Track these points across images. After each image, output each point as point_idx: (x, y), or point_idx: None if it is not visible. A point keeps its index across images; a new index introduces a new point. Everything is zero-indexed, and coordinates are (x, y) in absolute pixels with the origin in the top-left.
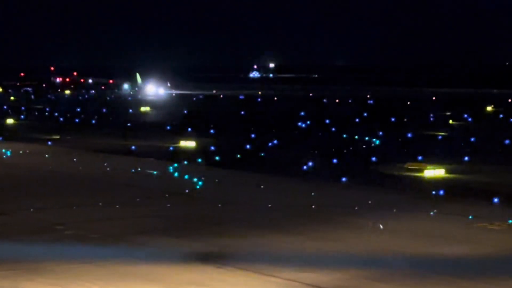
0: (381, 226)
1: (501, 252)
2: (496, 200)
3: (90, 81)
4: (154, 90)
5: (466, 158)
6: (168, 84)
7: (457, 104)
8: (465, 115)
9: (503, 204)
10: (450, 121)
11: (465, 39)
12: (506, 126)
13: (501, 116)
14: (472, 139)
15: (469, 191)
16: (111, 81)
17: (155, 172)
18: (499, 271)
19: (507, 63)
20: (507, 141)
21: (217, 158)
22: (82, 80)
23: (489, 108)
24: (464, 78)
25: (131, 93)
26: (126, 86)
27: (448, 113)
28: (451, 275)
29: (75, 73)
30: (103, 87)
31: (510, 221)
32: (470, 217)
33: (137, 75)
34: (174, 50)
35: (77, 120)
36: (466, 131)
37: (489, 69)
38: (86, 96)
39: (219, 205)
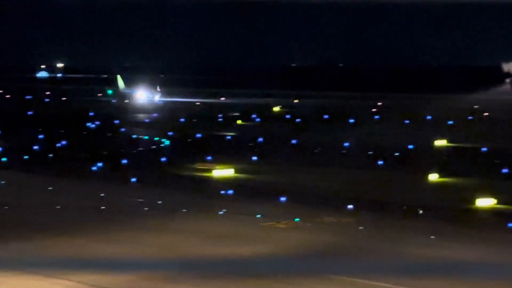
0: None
1: (288, 250)
2: (283, 199)
3: None
4: (147, 96)
5: (254, 158)
6: (158, 89)
7: (244, 105)
8: (253, 116)
9: (289, 203)
10: (238, 122)
11: (249, 40)
12: (292, 126)
13: (288, 116)
14: (260, 139)
15: (257, 191)
16: None
17: None
18: (285, 269)
19: (293, 65)
20: (293, 141)
21: (3, 159)
22: None
23: (276, 109)
24: (250, 79)
25: (115, 99)
26: (109, 91)
27: (236, 114)
28: (237, 274)
29: None
30: None
31: (297, 219)
32: (258, 216)
33: (118, 78)
34: None
35: None
36: (254, 132)
37: (273, 70)
38: None
39: (5, 207)
